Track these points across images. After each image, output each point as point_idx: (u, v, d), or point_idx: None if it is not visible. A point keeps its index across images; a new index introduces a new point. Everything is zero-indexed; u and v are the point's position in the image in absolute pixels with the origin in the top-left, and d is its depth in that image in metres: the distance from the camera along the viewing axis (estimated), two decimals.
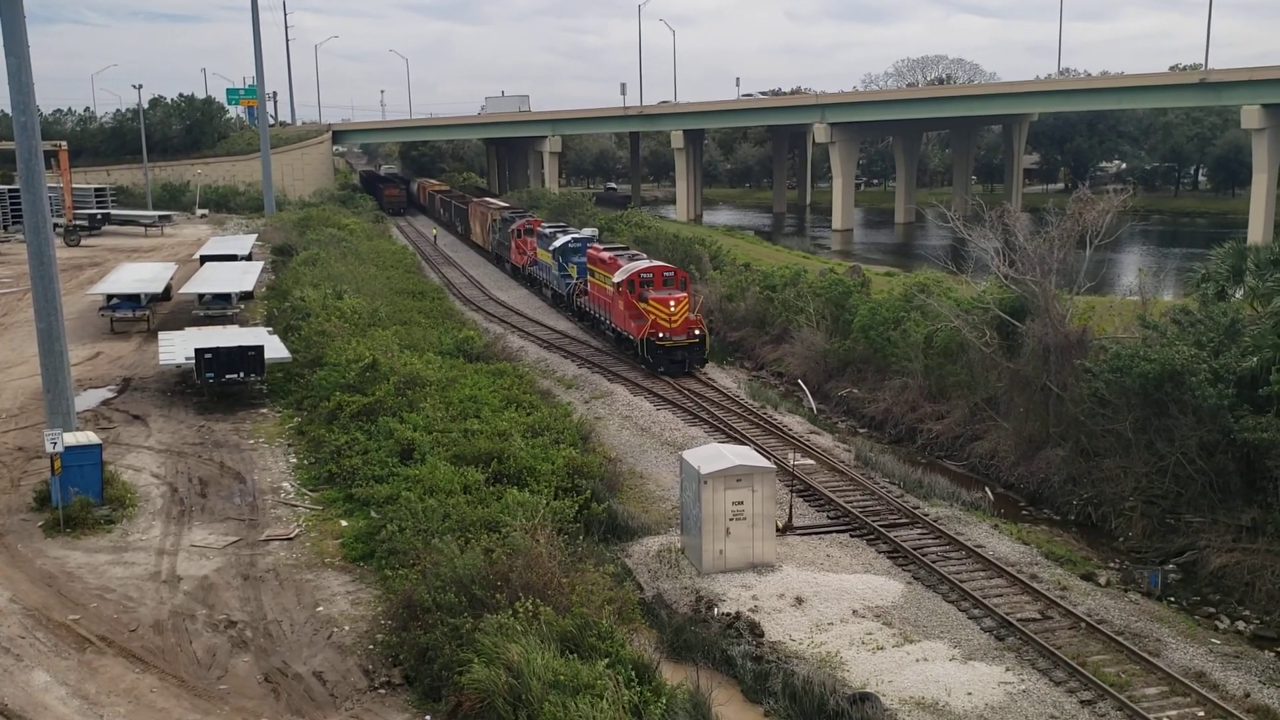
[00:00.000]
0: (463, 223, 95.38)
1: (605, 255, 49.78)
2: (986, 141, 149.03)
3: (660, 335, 42.55)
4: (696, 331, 43.30)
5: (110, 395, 38.88)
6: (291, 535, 25.91)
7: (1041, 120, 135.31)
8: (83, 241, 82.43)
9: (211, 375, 36.33)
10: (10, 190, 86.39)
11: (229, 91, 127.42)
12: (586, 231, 61.12)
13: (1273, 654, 22.18)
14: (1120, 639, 21.36)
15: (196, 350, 36.55)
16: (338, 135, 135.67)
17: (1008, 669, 20.39)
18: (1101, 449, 30.87)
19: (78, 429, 29.52)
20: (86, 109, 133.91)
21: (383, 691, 19.03)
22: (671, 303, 42.83)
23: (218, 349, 36.67)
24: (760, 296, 52.22)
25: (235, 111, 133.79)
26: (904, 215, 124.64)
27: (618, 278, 45.46)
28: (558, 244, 58.41)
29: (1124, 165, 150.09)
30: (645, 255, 51.22)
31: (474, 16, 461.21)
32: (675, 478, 28.50)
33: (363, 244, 73.59)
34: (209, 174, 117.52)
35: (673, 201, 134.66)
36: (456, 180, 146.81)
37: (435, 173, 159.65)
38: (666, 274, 44.92)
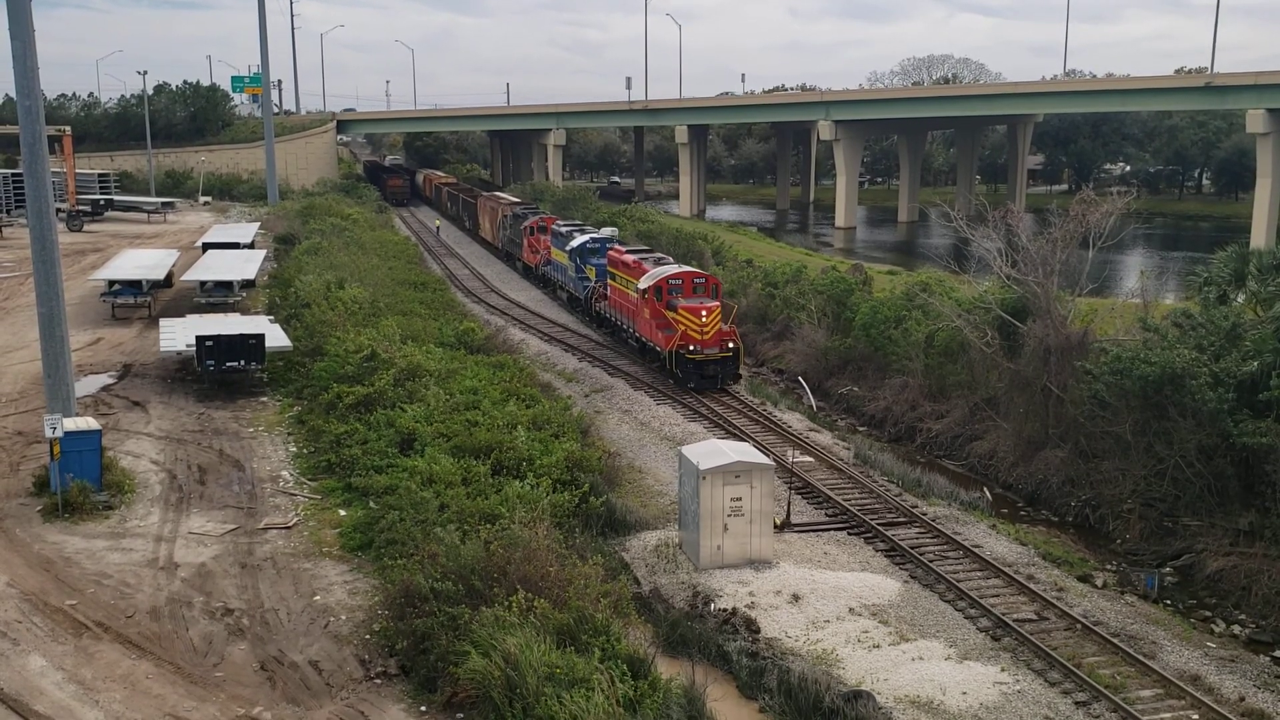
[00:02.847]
0: (471, 218, 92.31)
1: (629, 258, 46.03)
2: (991, 141, 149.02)
3: (691, 348, 39.12)
4: (730, 344, 39.83)
5: (110, 381, 38.89)
6: (290, 524, 25.92)
7: (1046, 121, 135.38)
8: (85, 227, 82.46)
9: (212, 363, 36.34)
10: (14, 175, 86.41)
11: (234, 79, 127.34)
12: (605, 231, 57.72)
13: (1268, 658, 22.23)
14: (1116, 641, 21.37)
15: (197, 338, 36.56)
16: (342, 125, 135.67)
17: (1003, 669, 20.40)
18: (1100, 451, 30.89)
19: (77, 414, 29.55)
20: (91, 94, 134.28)
21: (378, 681, 19.04)
22: (703, 313, 39.31)
23: (219, 337, 36.67)
24: (762, 293, 52.24)
25: (239, 99, 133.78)
26: (907, 214, 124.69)
27: (643, 284, 42.13)
28: (575, 244, 54.91)
29: (1128, 167, 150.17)
30: (671, 259, 47.83)
31: (477, 8, 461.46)
32: (674, 473, 28.50)
33: (365, 234, 73.51)
34: (212, 161, 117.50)
35: (676, 197, 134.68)
36: (460, 172, 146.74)
37: (438, 164, 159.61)
38: (697, 280, 41.51)
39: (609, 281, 48.55)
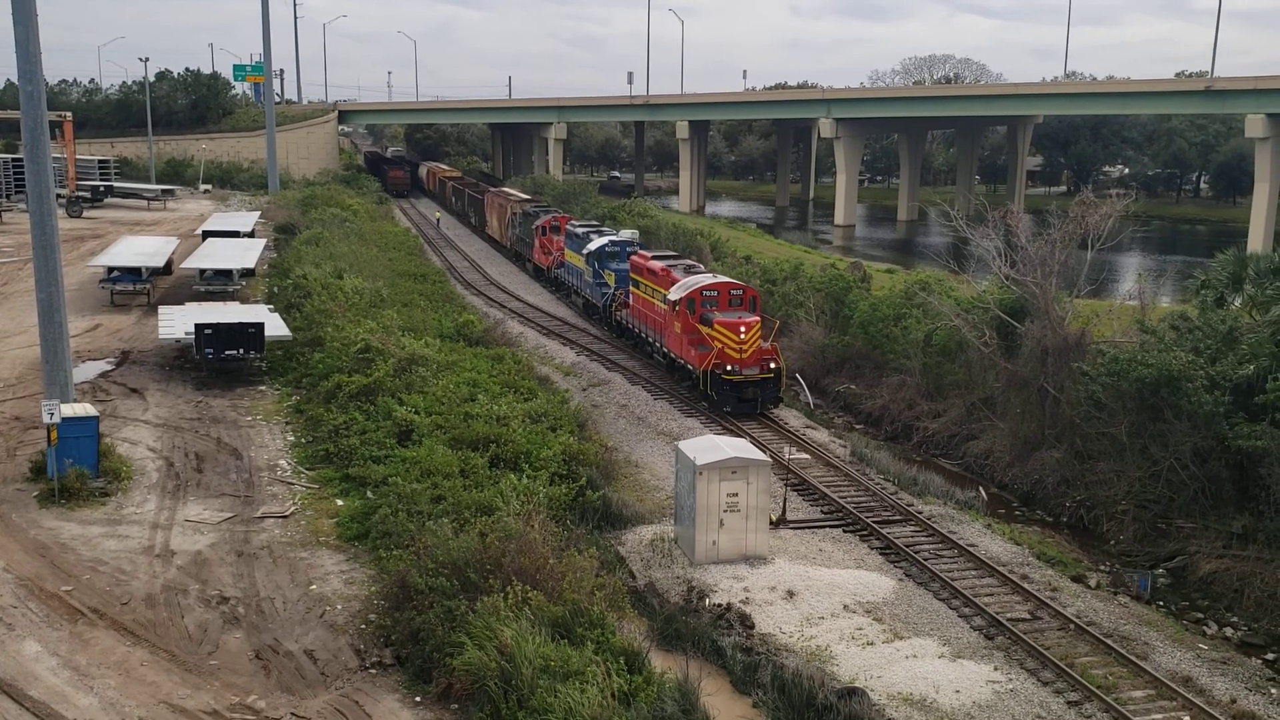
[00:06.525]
0: (477, 214, 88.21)
1: (655, 265, 42.11)
2: (991, 142, 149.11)
3: (728, 368, 35.54)
4: (772, 364, 36.18)
5: (108, 368, 38.89)
6: (287, 513, 25.94)
7: (1046, 122, 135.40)
8: (85, 213, 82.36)
9: (211, 351, 36.34)
10: (14, 160, 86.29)
11: (235, 68, 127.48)
12: (625, 234, 54.02)
13: (1260, 661, 22.32)
14: (1109, 641, 21.44)
15: (197, 325, 36.57)
16: (343, 115, 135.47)
17: (996, 668, 20.47)
18: (1096, 452, 30.96)
19: (75, 400, 29.55)
20: (92, 80, 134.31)
21: (374, 671, 19.08)
22: (742, 329, 35.63)
23: (218, 325, 36.67)
24: (760, 290, 52.18)
25: (241, 88, 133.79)
26: (907, 213, 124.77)
27: (674, 294, 38.33)
28: (592, 247, 51.09)
29: (1127, 170, 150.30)
30: (702, 266, 44.59)
31: (479, 1, 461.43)
32: (670, 467, 28.54)
33: (366, 225, 73.53)
34: (213, 149, 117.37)
35: (676, 192, 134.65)
36: (461, 165, 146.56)
37: (439, 156, 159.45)
38: (734, 292, 37.75)
39: (631, 289, 44.87)
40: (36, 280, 29.43)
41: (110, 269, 50.31)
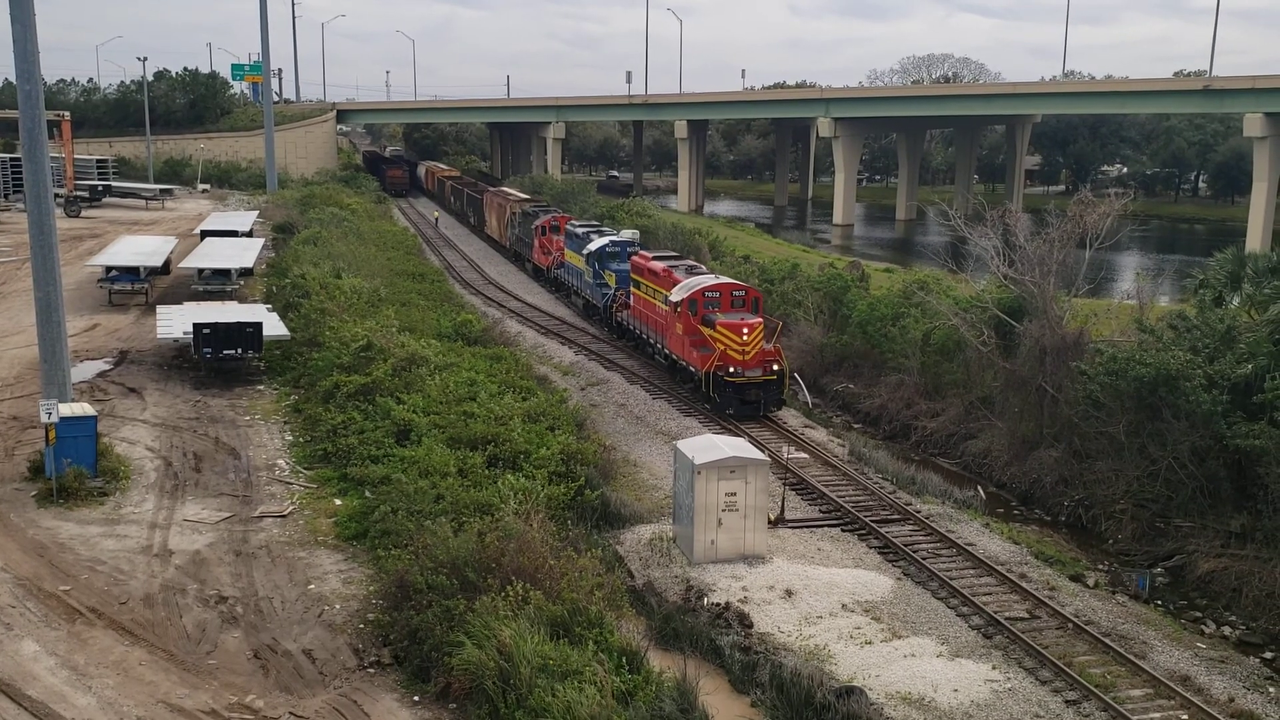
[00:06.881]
0: (476, 213, 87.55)
1: (656, 266, 41.67)
2: (989, 141, 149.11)
3: (730, 370, 35.28)
4: (775, 366, 35.95)
5: (107, 367, 38.89)
6: (285, 513, 25.95)
7: (1044, 122, 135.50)
8: (83, 213, 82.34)
9: (209, 350, 36.35)
10: (11, 159, 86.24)
11: (234, 67, 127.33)
12: (625, 234, 53.17)
13: (1258, 660, 22.32)
14: (1107, 640, 21.45)
15: (195, 325, 36.57)
16: (342, 115, 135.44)
17: (994, 667, 20.47)
18: (1094, 451, 30.97)
19: (73, 400, 29.54)
20: (90, 80, 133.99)
21: (372, 671, 19.09)
22: (744, 330, 35.46)
23: (216, 324, 36.67)
24: (759, 289, 52.16)
25: (239, 87, 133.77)
26: (905, 212, 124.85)
27: (676, 295, 38.01)
28: (593, 247, 50.66)
29: (1125, 169, 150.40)
30: (703, 266, 44.27)
31: (478, 0, 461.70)
32: (669, 467, 28.54)
33: (364, 224, 73.52)
34: (211, 149, 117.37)
35: (674, 191, 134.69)
36: (459, 164, 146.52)
37: (437, 155, 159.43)
38: (736, 293, 37.49)
39: (632, 290, 44.50)
40: (35, 280, 29.42)
41: (108, 268, 50.30)
